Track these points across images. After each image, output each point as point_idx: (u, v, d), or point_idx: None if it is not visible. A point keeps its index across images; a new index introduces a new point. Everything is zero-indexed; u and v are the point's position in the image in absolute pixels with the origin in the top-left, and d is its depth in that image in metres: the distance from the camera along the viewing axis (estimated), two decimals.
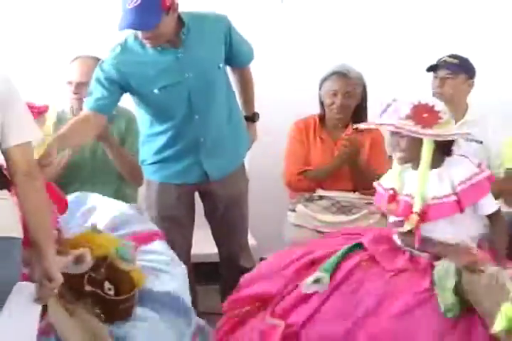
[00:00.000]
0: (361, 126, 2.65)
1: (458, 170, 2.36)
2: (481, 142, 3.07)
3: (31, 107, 2.07)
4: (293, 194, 3.17)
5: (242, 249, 2.86)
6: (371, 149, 3.12)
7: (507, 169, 2.99)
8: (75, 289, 1.95)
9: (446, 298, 2.14)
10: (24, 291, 1.84)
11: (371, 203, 3.09)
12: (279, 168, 3.17)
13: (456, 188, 2.29)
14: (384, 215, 3.10)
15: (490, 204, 2.35)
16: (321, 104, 3.11)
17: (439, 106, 2.36)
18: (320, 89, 3.09)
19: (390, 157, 3.07)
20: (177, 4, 2.44)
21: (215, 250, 2.88)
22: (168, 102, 2.57)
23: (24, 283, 1.84)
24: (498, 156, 3.05)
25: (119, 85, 2.52)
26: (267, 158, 3.26)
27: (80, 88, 2.84)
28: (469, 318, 2.11)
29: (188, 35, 2.52)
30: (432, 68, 3.11)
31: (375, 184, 2.56)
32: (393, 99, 2.38)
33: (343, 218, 3.03)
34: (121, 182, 2.98)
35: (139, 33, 2.43)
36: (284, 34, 3.40)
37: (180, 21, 2.49)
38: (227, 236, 2.79)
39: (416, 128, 2.27)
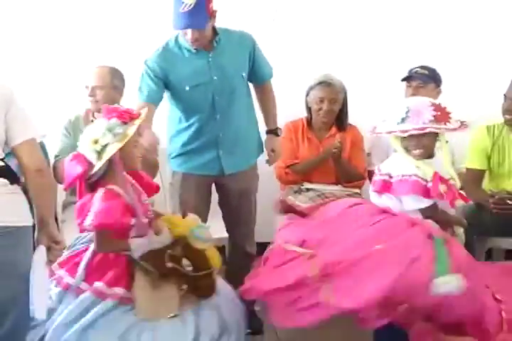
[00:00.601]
0: (410, 130, 2.42)
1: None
2: (446, 141, 3.11)
3: (126, 112, 2.15)
4: (283, 186, 3.32)
5: (248, 237, 2.96)
6: (352, 147, 3.30)
7: (467, 168, 3.14)
8: (158, 266, 2.04)
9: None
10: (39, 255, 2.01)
11: (351, 194, 3.28)
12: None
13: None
14: None
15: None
16: (308, 109, 3.29)
17: (443, 103, 2.45)
18: (307, 96, 3.27)
19: (369, 154, 3.36)
20: (216, 11, 2.61)
21: (225, 234, 2.97)
22: (196, 100, 2.71)
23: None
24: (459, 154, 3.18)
25: (161, 80, 2.68)
26: (262, 156, 3.21)
27: (95, 91, 3.00)
28: None
29: (219, 43, 2.70)
30: (406, 78, 3.26)
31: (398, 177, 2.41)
32: (407, 106, 2.40)
33: None
34: None
35: (188, 34, 2.59)
36: (276, 50, 3.41)
37: (213, 30, 2.67)
38: (235, 225, 2.90)
39: (442, 125, 2.36)
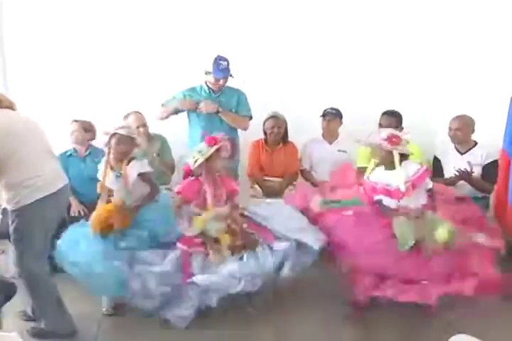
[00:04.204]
0: (370, 142, 3.23)
1: (410, 168, 3.13)
2: (345, 151, 4.54)
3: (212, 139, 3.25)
4: (251, 180, 4.62)
5: None
6: (290, 156, 4.59)
7: (358, 167, 4.05)
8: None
9: (403, 238, 2.92)
10: None
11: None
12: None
13: (410, 178, 3.11)
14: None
15: (430, 183, 3.20)
16: (265, 133, 4.58)
17: (401, 134, 3.14)
18: (264, 125, 4.55)
19: (300, 159, 4.61)
20: (231, 73, 4.15)
21: None
22: (198, 118, 4.31)
23: None
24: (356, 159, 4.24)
25: None
26: (243, 162, 4.46)
27: (141, 128, 4.25)
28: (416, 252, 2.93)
29: (224, 90, 4.26)
30: (323, 115, 4.55)
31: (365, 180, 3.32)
32: (370, 132, 3.28)
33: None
34: (164, 172, 4.38)
35: (221, 81, 4.15)
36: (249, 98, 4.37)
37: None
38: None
39: (389, 146, 3.07)
